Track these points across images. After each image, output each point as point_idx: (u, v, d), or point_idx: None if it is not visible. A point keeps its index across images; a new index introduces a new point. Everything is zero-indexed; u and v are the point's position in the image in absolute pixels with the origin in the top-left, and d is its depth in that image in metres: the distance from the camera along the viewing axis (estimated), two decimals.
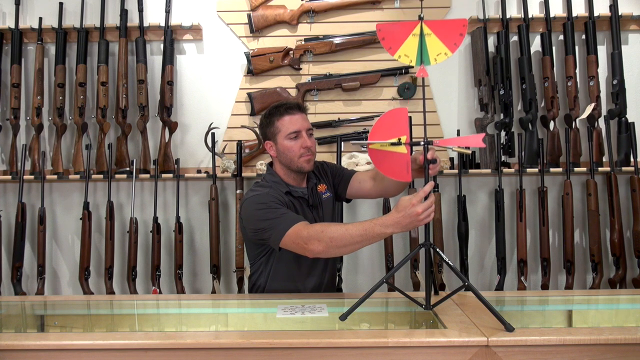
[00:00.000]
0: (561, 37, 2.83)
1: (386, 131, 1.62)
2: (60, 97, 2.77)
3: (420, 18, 1.62)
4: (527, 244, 2.72)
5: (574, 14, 2.78)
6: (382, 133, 1.62)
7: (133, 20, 2.82)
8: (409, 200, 1.57)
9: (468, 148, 2.44)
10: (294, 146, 1.92)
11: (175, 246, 2.72)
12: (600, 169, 2.71)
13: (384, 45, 1.63)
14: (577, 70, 2.77)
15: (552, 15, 2.78)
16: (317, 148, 2.73)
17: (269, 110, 2.01)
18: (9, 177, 2.74)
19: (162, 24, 2.81)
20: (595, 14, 2.77)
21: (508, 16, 2.79)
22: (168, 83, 2.77)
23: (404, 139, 1.61)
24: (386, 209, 2.67)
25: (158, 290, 2.69)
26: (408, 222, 1.58)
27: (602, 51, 2.84)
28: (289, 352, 1.40)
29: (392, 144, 1.61)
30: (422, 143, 1.62)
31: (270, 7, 2.82)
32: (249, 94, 2.83)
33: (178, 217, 2.73)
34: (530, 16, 2.79)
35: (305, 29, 2.85)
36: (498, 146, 2.72)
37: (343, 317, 1.56)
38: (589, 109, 2.68)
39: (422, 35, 1.62)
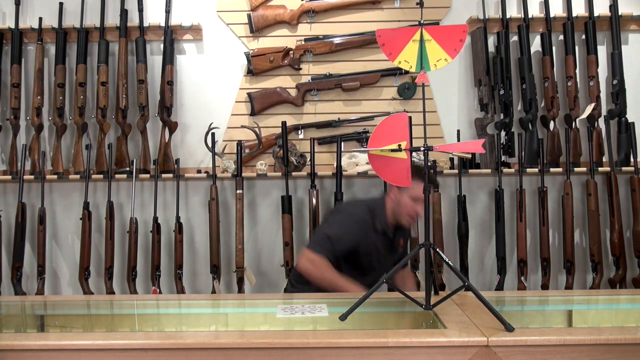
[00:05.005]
0: (561, 37, 2.83)
1: (386, 137, 1.62)
2: (60, 97, 2.77)
3: (420, 24, 1.63)
4: (527, 244, 2.72)
5: (574, 14, 2.78)
6: (382, 139, 1.62)
7: (133, 20, 2.82)
8: None
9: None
10: (410, 207, 2.15)
11: (175, 246, 2.72)
12: (600, 169, 2.71)
13: (384, 51, 1.64)
14: (577, 70, 2.77)
15: (552, 15, 2.78)
16: (317, 148, 2.77)
17: (418, 168, 2.02)
18: (9, 177, 2.74)
19: (162, 24, 2.80)
20: (595, 14, 2.77)
21: (508, 16, 2.79)
22: (168, 83, 2.77)
23: (404, 144, 1.61)
24: None
25: (158, 290, 2.69)
26: None
27: (602, 51, 2.84)
28: (289, 352, 1.40)
29: (392, 150, 1.61)
30: (422, 149, 1.62)
31: (270, 7, 2.82)
32: (249, 94, 2.83)
33: (178, 217, 2.73)
34: (530, 16, 2.79)
35: (305, 29, 2.85)
36: (498, 146, 2.72)
37: (343, 317, 1.56)
38: (589, 109, 2.68)
39: (422, 41, 1.62)
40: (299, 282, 2.24)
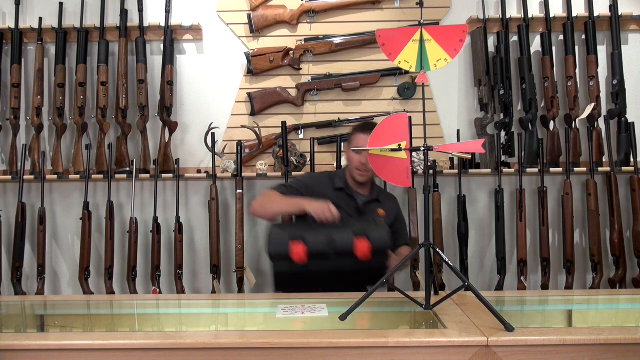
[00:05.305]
0: (561, 37, 2.83)
1: (386, 137, 1.62)
2: (60, 97, 2.77)
3: (420, 24, 1.63)
4: (527, 244, 2.72)
5: (574, 14, 2.78)
6: (382, 139, 1.62)
7: (133, 20, 2.82)
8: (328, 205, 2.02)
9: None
10: (354, 159, 2.20)
11: (175, 246, 2.72)
12: (600, 169, 2.71)
13: (384, 51, 1.65)
14: (577, 70, 2.77)
15: (552, 15, 2.78)
16: (317, 148, 2.77)
17: (364, 124, 2.35)
18: (9, 177, 2.74)
19: (162, 24, 2.80)
20: (595, 14, 2.77)
21: (508, 16, 2.79)
22: (168, 83, 2.77)
23: (404, 144, 1.61)
24: None
25: (158, 290, 2.69)
26: (316, 205, 2.02)
27: (602, 51, 2.84)
28: (289, 352, 1.40)
29: (392, 150, 1.61)
30: (422, 149, 1.62)
31: (270, 7, 2.82)
32: (249, 94, 2.84)
33: (178, 217, 2.73)
34: (530, 16, 2.79)
35: (305, 29, 2.85)
36: (498, 146, 2.72)
37: (343, 317, 1.56)
38: (589, 109, 2.68)
39: (422, 41, 1.62)
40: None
